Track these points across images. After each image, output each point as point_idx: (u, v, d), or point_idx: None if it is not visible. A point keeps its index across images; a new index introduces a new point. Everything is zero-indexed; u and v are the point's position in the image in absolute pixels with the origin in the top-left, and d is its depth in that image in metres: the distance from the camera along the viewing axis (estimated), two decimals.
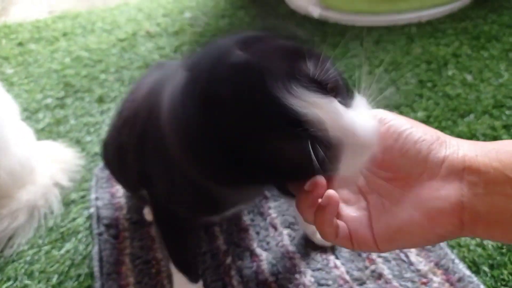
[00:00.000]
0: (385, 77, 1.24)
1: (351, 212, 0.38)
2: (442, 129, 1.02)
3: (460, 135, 0.98)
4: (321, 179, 0.35)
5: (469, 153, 0.34)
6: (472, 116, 1.06)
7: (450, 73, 1.24)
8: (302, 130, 0.33)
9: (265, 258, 0.78)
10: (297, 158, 0.34)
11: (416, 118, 1.04)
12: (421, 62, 1.31)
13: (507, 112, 1.05)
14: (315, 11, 1.68)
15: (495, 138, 0.97)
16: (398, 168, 0.36)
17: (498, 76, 1.19)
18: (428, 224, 0.33)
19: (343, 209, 0.38)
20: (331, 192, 0.35)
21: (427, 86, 1.19)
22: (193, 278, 0.69)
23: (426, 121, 1.05)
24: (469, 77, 1.21)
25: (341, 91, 0.37)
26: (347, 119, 0.34)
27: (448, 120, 1.05)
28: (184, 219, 0.64)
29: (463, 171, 0.33)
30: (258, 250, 0.79)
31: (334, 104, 0.34)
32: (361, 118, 0.35)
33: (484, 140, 0.94)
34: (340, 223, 0.37)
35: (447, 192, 0.33)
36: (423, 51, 1.36)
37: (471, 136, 0.98)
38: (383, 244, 0.35)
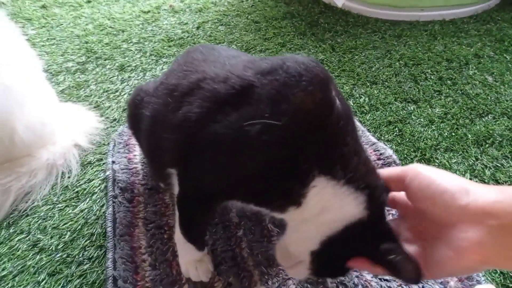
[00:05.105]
0: (405, 71, 1.24)
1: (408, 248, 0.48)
2: (460, 127, 1.02)
3: (477, 134, 0.99)
4: None
5: (488, 200, 0.41)
6: (490, 116, 1.06)
7: (470, 72, 1.23)
8: None
9: (276, 234, 0.78)
10: None
11: (433, 114, 1.06)
12: (442, 59, 1.31)
13: None
14: (339, 1, 1.67)
15: None
16: (432, 214, 0.46)
17: None
18: (458, 259, 0.41)
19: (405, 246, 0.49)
20: None
21: (446, 83, 1.19)
22: (199, 247, 0.69)
23: (444, 117, 1.05)
24: (490, 78, 1.21)
25: None
26: None
27: (466, 119, 1.05)
28: (211, 199, 0.60)
29: (482, 216, 0.40)
30: (270, 226, 0.80)
31: None
32: None
33: (501, 141, 0.96)
34: None
35: (470, 234, 0.41)
36: (445, 49, 1.36)
37: (489, 136, 0.99)
38: (424, 273, 0.44)
